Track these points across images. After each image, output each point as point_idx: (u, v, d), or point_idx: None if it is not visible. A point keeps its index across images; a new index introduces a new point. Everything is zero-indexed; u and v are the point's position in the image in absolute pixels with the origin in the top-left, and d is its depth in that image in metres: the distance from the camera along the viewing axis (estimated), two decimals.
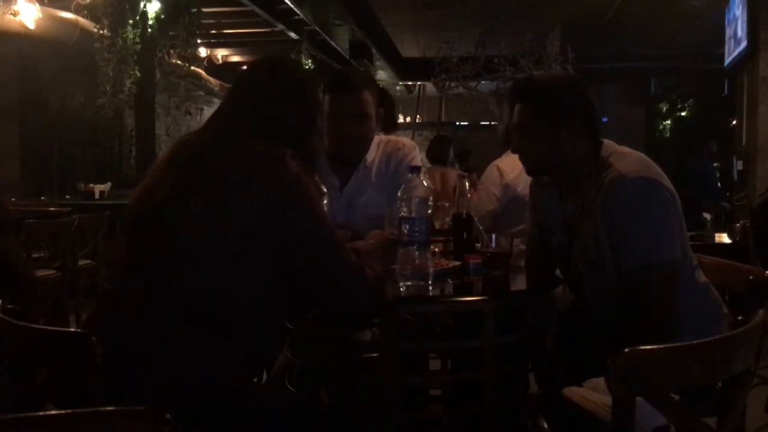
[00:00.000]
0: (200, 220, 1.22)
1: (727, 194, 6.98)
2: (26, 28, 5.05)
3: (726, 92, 9.55)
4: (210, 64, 8.44)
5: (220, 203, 1.22)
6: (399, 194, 1.58)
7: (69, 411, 0.77)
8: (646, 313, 1.53)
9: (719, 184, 7.05)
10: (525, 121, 1.66)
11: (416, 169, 1.62)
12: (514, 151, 1.74)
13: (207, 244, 1.21)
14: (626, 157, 1.60)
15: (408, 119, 12.74)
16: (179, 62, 5.67)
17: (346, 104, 2.03)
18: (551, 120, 1.62)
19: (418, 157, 2.25)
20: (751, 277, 1.59)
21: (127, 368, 1.17)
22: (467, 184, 1.93)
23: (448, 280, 1.66)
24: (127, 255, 1.30)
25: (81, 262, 3.96)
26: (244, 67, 1.46)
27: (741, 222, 4.03)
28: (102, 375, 1.12)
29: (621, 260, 1.55)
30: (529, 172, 1.76)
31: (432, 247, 1.62)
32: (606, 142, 1.67)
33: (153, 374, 1.16)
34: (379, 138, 2.22)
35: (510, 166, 2.66)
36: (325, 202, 1.66)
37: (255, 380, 1.36)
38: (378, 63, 10.59)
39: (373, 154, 2.17)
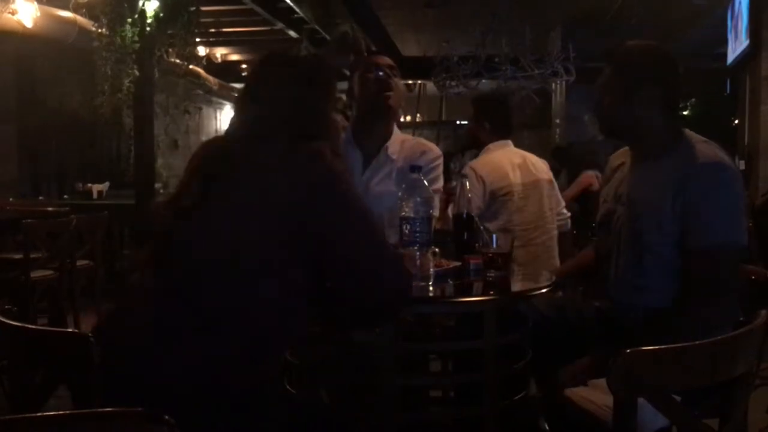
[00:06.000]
0: (233, 221, 1.22)
1: None
2: (24, 26, 5.03)
3: (728, 92, 9.54)
4: (209, 63, 8.43)
5: (254, 204, 1.23)
6: (400, 194, 1.58)
7: (69, 411, 0.77)
8: (704, 291, 1.53)
9: None
10: (607, 79, 1.72)
11: (417, 169, 1.62)
12: (595, 109, 1.78)
13: (238, 246, 1.21)
14: (712, 145, 1.66)
15: (408, 118, 12.74)
16: (178, 61, 5.65)
17: (376, 58, 2.16)
18: (628, 80, 1.67)
19: (442, 165, 2.26)
20: (753, 278, 1.59)
21: (133, 368, 1.16)
22: (467, 184, 1.93)
23: (449, 280, 1.66)
24: (154, 256, 1.30)
25: (79, 263, 3.95)
26: (257, 64, 1.44)
27: None
28: (105, 375, 1.12)
29: (691, 237, 1.55)
30: (602, 129, 1.80)
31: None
32: (688, 131, 1.71)
33: (156, 375, 1.16)
34: (403, 136, 2.23)
35: (481, 164, 2.82)
36: None
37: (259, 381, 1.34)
38: None
39: (396, 149, 2.18)
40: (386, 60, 2.20)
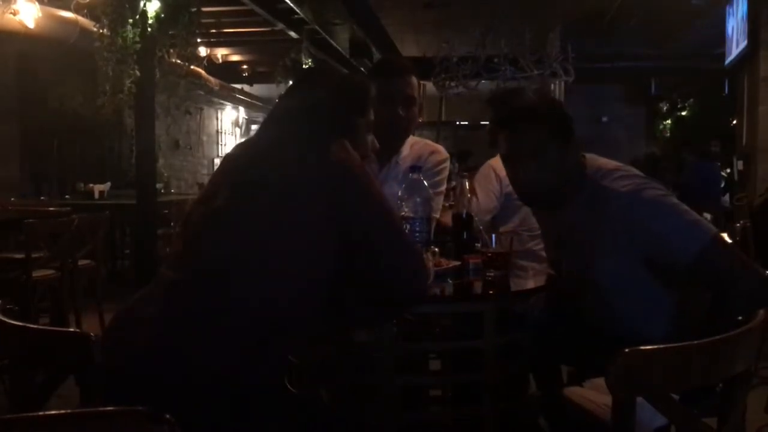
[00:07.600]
0: (259, 220, 1.25)
1: (727, 195, 7.00)
2: (26, 27, 5.05)
3: (726, 92, 9.56)
4: (210, 64, 8.43)
5: (281, 203, 1.25)
6: (400, 194, 1.58)
7: (69, 411, 0.77)
8: (734, 278, 1.48)
9: (723, 185, 7.07)
10: (534, 145, 1.57)
11: (417, 169, 1.62)
12: (518, 181, 1.66)
13: (261, 245, 1.23)
14: (615, 173, 1.57)
15: None
16: (179, 62, 5.65)
17: (396, 87, 2.07)
18: (559, 139, 1.57)
19: (448, 167, 2.26)
20: None
21: (135, 367, 1.17)
22: (467, 184, 1.93)
23: (448, 280, 1.66)
24: (180, 254, 1.31)
25: (80, 262, 3.96)
26: (301, 72, 1.50)
27: (741, 222, 4.03)
28: (107, 373, 1.12)
29: (677, 256, 1.50)
30: (531, 201, 1.71)
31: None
32: (588, 156, 1.64)
33: (158, 374, 1.16)
34: (413, 139, 2.24)
35: (502, 164, 2.77)
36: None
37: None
38: None
39: (405, 152, 2.19)
40: (409, 89, 2.10)
